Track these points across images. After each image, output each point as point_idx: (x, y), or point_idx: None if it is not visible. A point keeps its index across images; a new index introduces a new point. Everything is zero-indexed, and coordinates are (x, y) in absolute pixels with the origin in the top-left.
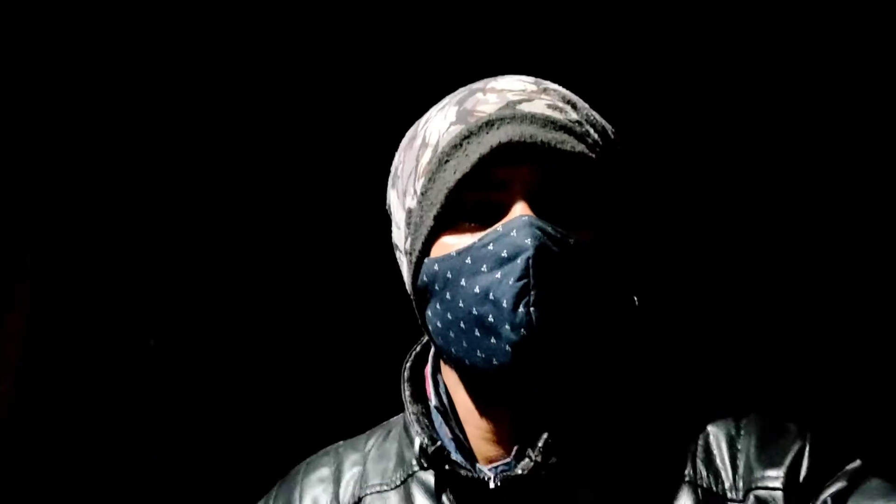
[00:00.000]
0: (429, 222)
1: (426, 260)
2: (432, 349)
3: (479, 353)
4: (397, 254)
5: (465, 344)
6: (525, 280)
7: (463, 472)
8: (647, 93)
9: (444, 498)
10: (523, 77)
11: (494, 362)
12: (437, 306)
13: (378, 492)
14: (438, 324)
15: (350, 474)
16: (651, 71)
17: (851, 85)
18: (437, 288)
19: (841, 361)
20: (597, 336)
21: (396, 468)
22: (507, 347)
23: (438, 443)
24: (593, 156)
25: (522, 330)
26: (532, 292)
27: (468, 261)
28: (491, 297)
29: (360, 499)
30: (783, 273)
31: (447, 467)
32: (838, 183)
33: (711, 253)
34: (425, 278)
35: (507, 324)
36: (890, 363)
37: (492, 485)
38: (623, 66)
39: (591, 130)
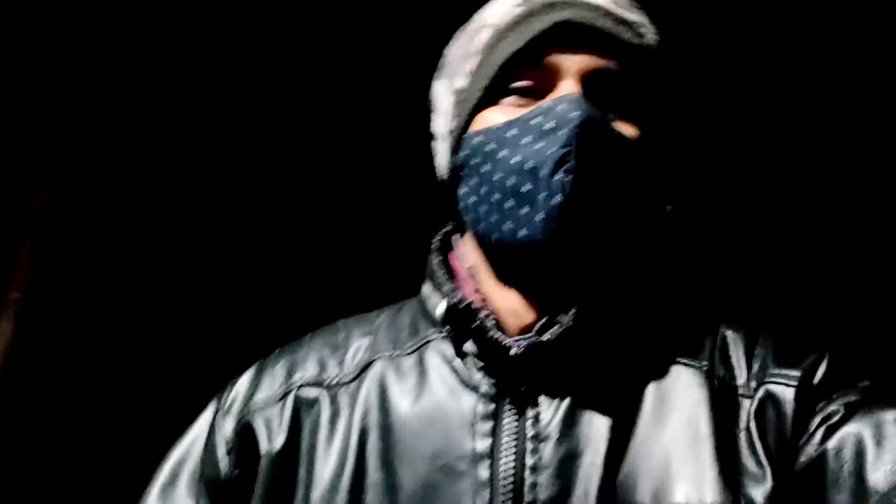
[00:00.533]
0: (476, 95)
1: (468, 134)
2: (457, 235)
3: (508, 225)
4: (433, 144)
5: (495, 217)
6: (568, 148)
7: (490, 335)
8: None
9: (460, 362)
10: None
11: (524, 233)
12: (473, 180)
13: (389, 356)
14: (472, 199)
15: (359, 343)
16: None
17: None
18: (476, 161)
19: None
20: (628, 224)
21: (410, 336)
22: (539, 216)
23: (471, 300)
24: (649, 54)
25: (557, 197)
26: (572, 161)
27: (512, 132)
28: (529, 165)
29: (368, 363)
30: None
31: (474, 326)
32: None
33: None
34: (465, 152)
35: (543, 191)
36: None
37: (513, 351)
38: None
39: (650, 31)
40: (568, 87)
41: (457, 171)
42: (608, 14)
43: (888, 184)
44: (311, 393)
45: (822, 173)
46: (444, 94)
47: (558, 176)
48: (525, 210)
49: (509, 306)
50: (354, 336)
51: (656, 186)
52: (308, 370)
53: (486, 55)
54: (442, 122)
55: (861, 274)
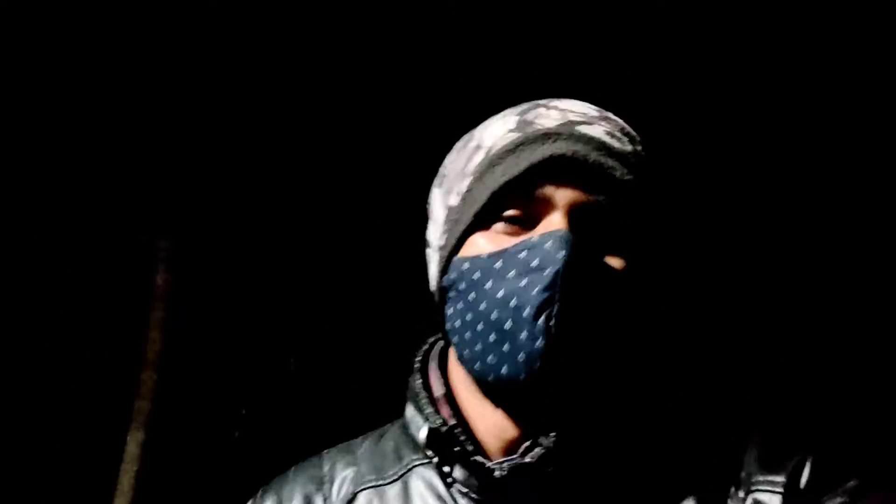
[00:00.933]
0: (467, 219)
1: (456, 258)
2: (438, 348)
3: (491, 358)
4: (427, 251)
5: (479, 347)
6: (550, 292)
7: (473, 458)
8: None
9: (445, 489)
10: (587, 104)
11: (505, 370)
12: (459, 305)
13: (374, 486)
14: (457, 323)
15: (343, 474)
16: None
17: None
18: (462, 287)
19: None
20: (611, 359)
21: (393, 464)
22: (521, 356)
23: (453, 422)
24: (639, 189)
25: (539, 341)
26: (555, 305)
27: (498, 264)
28: (513, 303)
29: (354, 495)
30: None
31: (456, 449)
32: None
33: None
34: (453, 275)
35: (525, 332)
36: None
37: (497, 473)
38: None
39: (640, 164)
40: (556, 221)
41: (444, 291)
42: (602, 147)
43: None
44: None
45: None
46: (439, 207)
47: (541, 320)
48: (507, 347)
49: (492, 428)
50: (338, 468)
51: (642, 312)
52: None
53: (479, 179)
54: (435, 235)
55: (840, 371)
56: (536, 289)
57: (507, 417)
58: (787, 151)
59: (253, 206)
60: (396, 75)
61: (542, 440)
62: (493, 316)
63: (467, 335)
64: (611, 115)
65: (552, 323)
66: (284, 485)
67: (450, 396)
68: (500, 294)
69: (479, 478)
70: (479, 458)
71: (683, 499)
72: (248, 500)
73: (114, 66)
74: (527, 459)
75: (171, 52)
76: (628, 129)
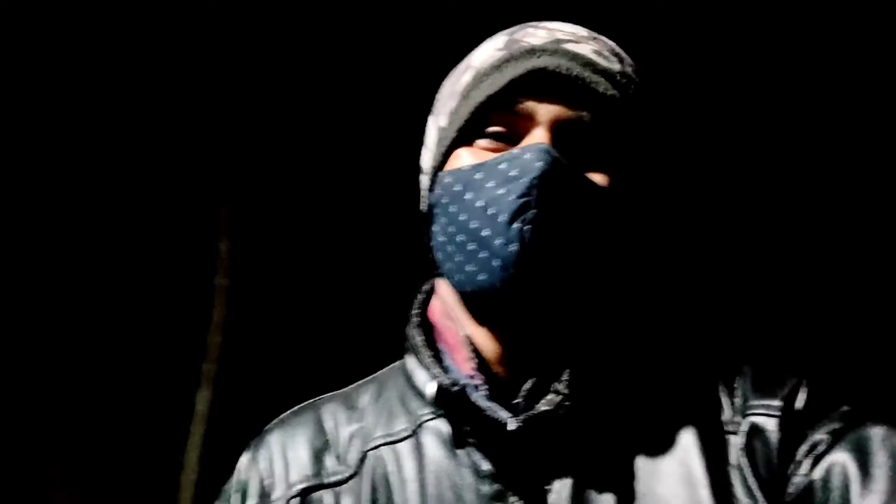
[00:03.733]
0: (451, 135)
1: (440, 173)
2: (438, 289)
3: (469, 267)
4: (421, 177)
5: (458, 258)
6: (526, 199)
7: (486, 413)
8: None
9: (459, 442)
10: (578, 26)
11: (481, 277)
12: (442, 219)
13: (385, 443)
14: (441, 238)
15: (349, 430)
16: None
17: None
18: (444, 201)
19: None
20: (592, 272)
21: (402, 418)
22: (496, 262)
23: (463, 382)
24: (625, 105)
25: (513, 245)
26: (531, 211)
27: (478, 175)
28: (490, 211)
29: (364, 454)
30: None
31: (466, 409)
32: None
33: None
34: (437, 191)
35: (500, 237)
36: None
37: (510, 426)
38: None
39: (630, 83)
40: (538, 135)
41: (431, 209)
42: (588, 63)
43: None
44: (315, 497)
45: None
46: (431, 130)
47: (515, 224)
48: (484, 254)
49: (494, 354)
50: (342, 423)
51: (629, 234)
52: (304, 468)
53: (465, 97)
54: (427, 158)
55: (834, 296)
56: (513, 196)
57: (502, 345)
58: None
59: (310, 172)
60: None
61: (555, 385)
62: (473, 225)
63: (449, 248)
64: (603, 37)
65: (527, 228)
66: (287, 437)
67: (469, 339)
68: (479, 203)
69: (493, 431)
70: (492, 413)
71: (683, 427)
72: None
73: (175, 39)
74: (541, 408)
75: (227, 27)
76: (619, 50)
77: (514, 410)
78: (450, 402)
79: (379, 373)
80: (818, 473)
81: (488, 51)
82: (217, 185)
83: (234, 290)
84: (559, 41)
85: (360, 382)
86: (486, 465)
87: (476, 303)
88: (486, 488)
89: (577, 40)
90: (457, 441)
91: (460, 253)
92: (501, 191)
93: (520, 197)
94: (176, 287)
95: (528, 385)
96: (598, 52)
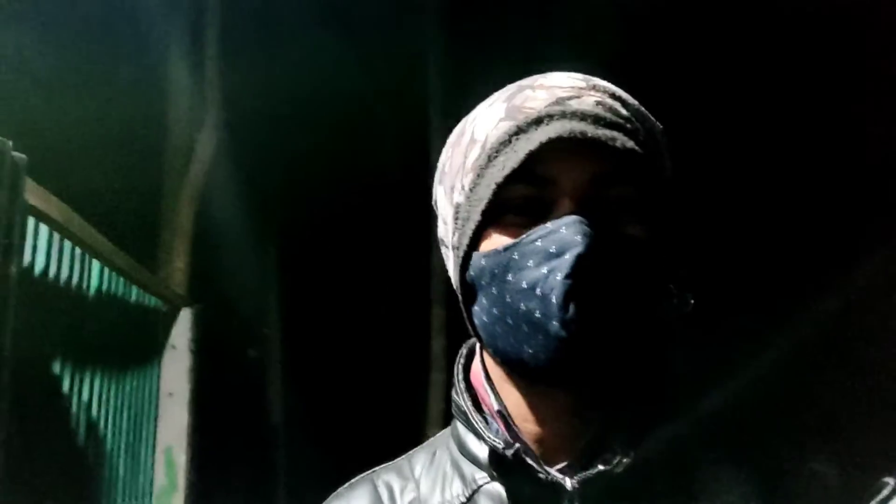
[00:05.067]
0: (476, 217)
1: (473, 255)
2: (477, 354)
3: (527, 349)
4: (443, 249)
5: (512, 339)
6: (574, 278)
7: (540, 475)
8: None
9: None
10: (572, 74)
11: (544, 357)
12: (484, 301)
13: None
14: (485, 318)
15: (407, 498)
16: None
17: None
18: (483, 283)
19: None
20: (644, 332)
21: (458, 484)
22: (557, 343)
23: (517, 445)
24: (642, 152)
25: (572, 326)
26: (581, 289)
27: (515, 256)
28: (538, 292)
29: None
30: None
31: (521, 471)
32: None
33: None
34: (472, 273)
35: (556, 320)
36: None
37: (568, 485)
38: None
39: (640, 127)
40: (566, 204)
41: (467, 289)
42: (597, 119)
43: None
44: None
45: None
46: (445, 204)
47: (571, 306)
48: (541, 336)
49: (542, 434)
50: (397, 493)
51: (667, 279)
52: None
53: (479, 174)
54: (447, 233)
55: None
56: (559, 275)
57: (555, 416)
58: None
59: None
60: None
61: (616, 446)
62: (522, 307)
63: (498, 329)
64: (597, 80)
65: (581, 307)
66: None
67: (502, 413)
68: (524, 284)
69: (548, 492)
70: (547, 475)
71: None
72: None
73: None
74: (599, 466)
75: None
76: (618, 92)
77: (566, 472)
78: (504, 465)
79: (429, 440)
80: None
81: (491, 121)
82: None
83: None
84: (561, 100)
85: (411, 451)
86: None
87: (532, 378)
88: None
89: (578, 94)
90: (514, 502)
91: (513, 335)
92: (544, 270)
93: (566, 277)
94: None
95: (581, 445)
96: (601, 104)
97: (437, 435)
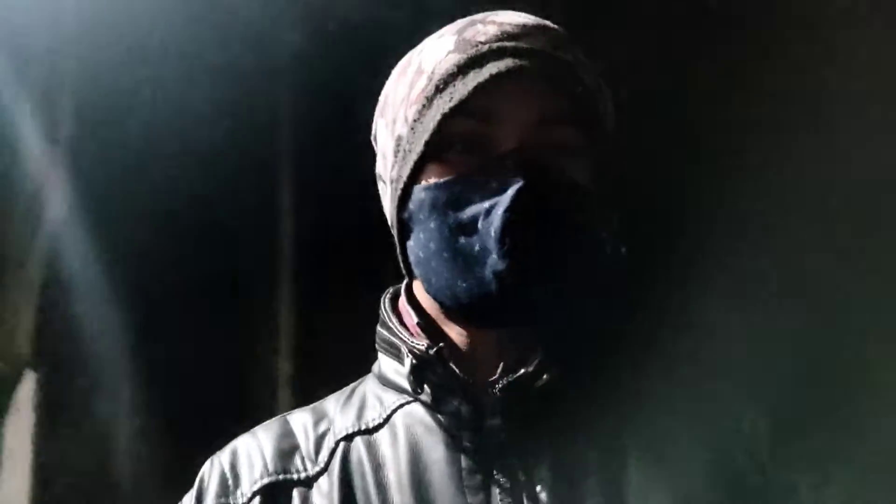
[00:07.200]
0: (419, 148)
1: (414, 188)
2: (402, 297)
3: (462, 283)
4: (380, 185)
5: (447, 274)
6: (514, 212)
7: (464, 378)
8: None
9: (435, 420)
10: (524, 14)
11: (479, 291)
12: (421, 235)
13: (357, 432)
14: (421, 254)
15: (320, 430)
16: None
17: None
18: (422, 217)
19: None
20: (582, 271)
21: (376, 410)
22: (492, 277)
23: (441, 343)
24: (588, 97)
25: (509, 260)
26: (520, 225)
27: (456, 189)
28: (479, 226)
29: (334, 448)
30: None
31: (443, 384)
32: None
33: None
34: (412, 206)
35: (494, 253)
36: None
37: (492, 391)
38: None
39: (588, 73)
40: (510, 140)
41: (403, 223)
42: (546, 57)
43: None
44: (282, 494)
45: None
46: (385, 137)
47: (508, 240)
48: (477, 270)
49: (469, 357)
50: (311, 427)
51: (608, 222)
52: (270, 466)
53: (425, 105)
54: (386, 167)
55: None
56: (500, 210)
57: (487, 343)
58: None
59: None
60: None
61: (533, 358)
62: (461, 241)
63: (434, 263)
64: (548, 22)
65: (519, 241)
66: (252, 442)
67: (424, 326)
68: (464, 218)
69: (472, 404)
70: (470, 380)
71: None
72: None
73: None
74: (519, 372)
75: None
76: (567, 35)
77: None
78: (425, 377)
79: (351, 385)
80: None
81: (440, 53)
82: None
83: None
84: (512, 37)
85: (329, 396)
86: (466, 438)
87: (471, 317)
88: (466, 462)
89: (529, 32)
90: (435, 419)
91: (448, 269)
92: (486, 205)
93: (507, 210)
94: None
95: (508, 361)
96: (551, 43)
97: (361, 379)
